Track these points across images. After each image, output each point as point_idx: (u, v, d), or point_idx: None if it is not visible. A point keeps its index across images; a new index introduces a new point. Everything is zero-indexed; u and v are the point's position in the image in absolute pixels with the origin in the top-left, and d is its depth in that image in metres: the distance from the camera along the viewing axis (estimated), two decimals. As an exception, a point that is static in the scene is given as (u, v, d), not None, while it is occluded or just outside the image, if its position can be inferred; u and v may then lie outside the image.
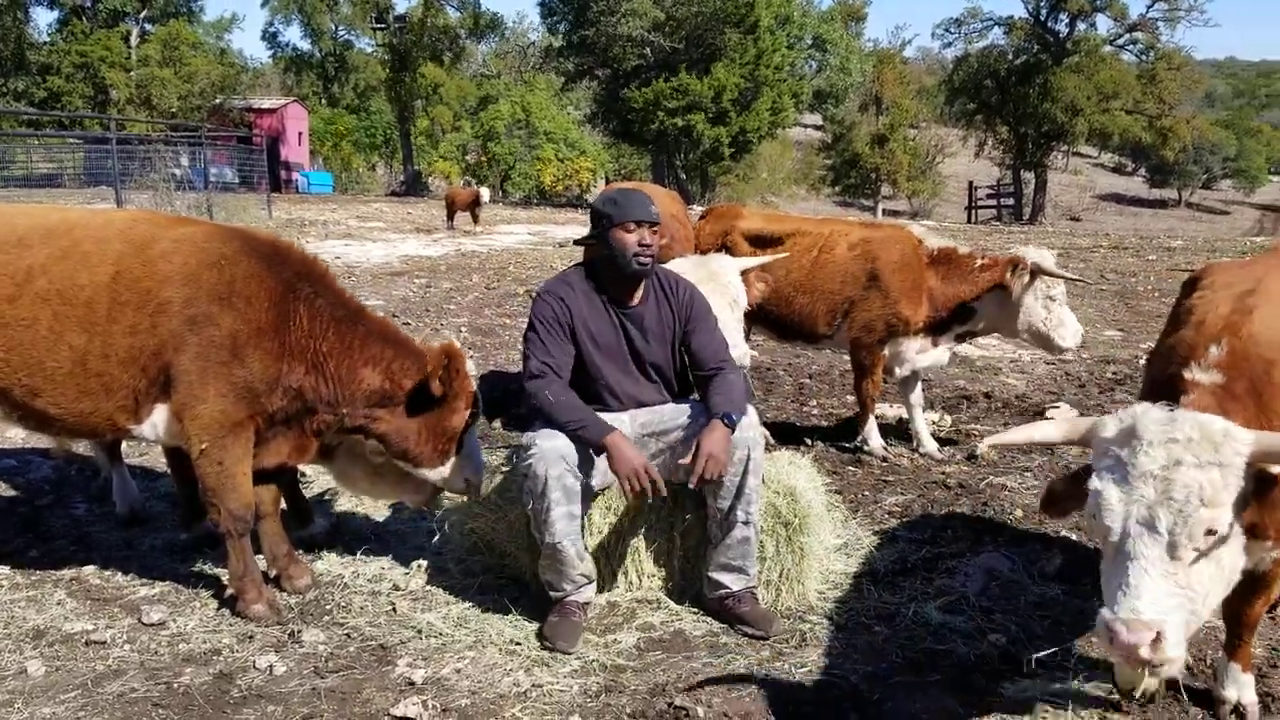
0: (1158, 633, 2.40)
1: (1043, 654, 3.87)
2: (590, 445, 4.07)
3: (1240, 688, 3.50)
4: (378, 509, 5.54)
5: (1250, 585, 3.03)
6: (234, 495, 4.19)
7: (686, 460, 4.01)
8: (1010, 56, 46.29)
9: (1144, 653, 2.41)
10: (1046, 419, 7.13)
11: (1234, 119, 65.96)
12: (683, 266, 5.11)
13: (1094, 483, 2.63)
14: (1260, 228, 44.77)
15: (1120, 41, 45.84)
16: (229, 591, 4.39)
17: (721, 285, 5.11)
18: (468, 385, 4.44)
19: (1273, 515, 2.69)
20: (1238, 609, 3.26)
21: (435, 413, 4.37)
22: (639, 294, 4.38)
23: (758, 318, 6.52)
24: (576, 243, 4.56)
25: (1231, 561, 2.64)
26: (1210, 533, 2.51)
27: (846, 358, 6.99)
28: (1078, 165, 61.45)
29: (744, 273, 5.34)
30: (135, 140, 27.02)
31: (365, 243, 20.08)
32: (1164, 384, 3.05)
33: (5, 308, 4.04)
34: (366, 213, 28.74)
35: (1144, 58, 45.87)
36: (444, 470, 4.48)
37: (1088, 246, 22.34)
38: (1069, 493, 2.80)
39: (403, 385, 4.33)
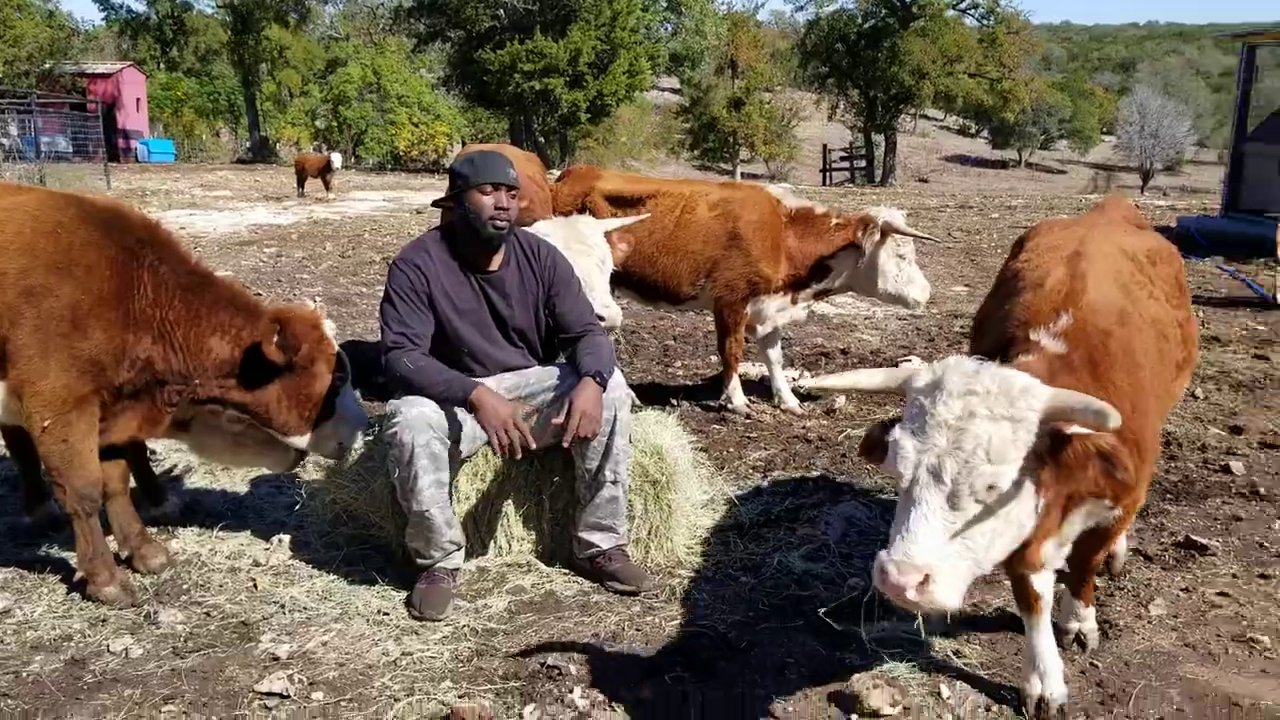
0: (925, 576, 2.44)
1: (830, 606, 4.02)
2: (456, 403, 4.03)
3: (1082, 620, 3.77)
4: (234, 484, 5.38)
5: (1095, 537, 3.24)
6: (80, 474, 3.99)
7: (560, 419, 4.00)
8: (859, 20, 47.28)
9: (911, 595, 2.45)
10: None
11: (1069, 82, 69.01)
12: (547, 228, 5.08)
13: (895, 430, 2.69)
14: (1094, 186, 47.16)
15: (963, 5, 47.29)
16: (79, 575, 4.19)
17: (588, 246, 5.09)
18: (327, 348, 4.32)
19: (1110, 479, 2.72)
20: (1083, 556, 3.42)
21: (294, 379, 4.24)
22: (499, 258, 4.32)
23: (621, 280, 6.54)
24: (434, 204, 4.46)
25: (1020, 517, 2.64)
26: (992, 487, 2.53)
27: (709, 319, 7.07)
28: (925, 128, 63.47)
29: (607, 234, 5.34)
30: (-46, 106, 25.23)
31: (211, 212, 19.29)
32: (1004, 345, 3.13)
33: None
34: (212, 181, 27.61)
35: (985, 22, 47.46)
36: (310, 437, 4.37)
37: (936, 206, 23.14)
38: (880, 439, 2.82)
39: None
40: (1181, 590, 4.31)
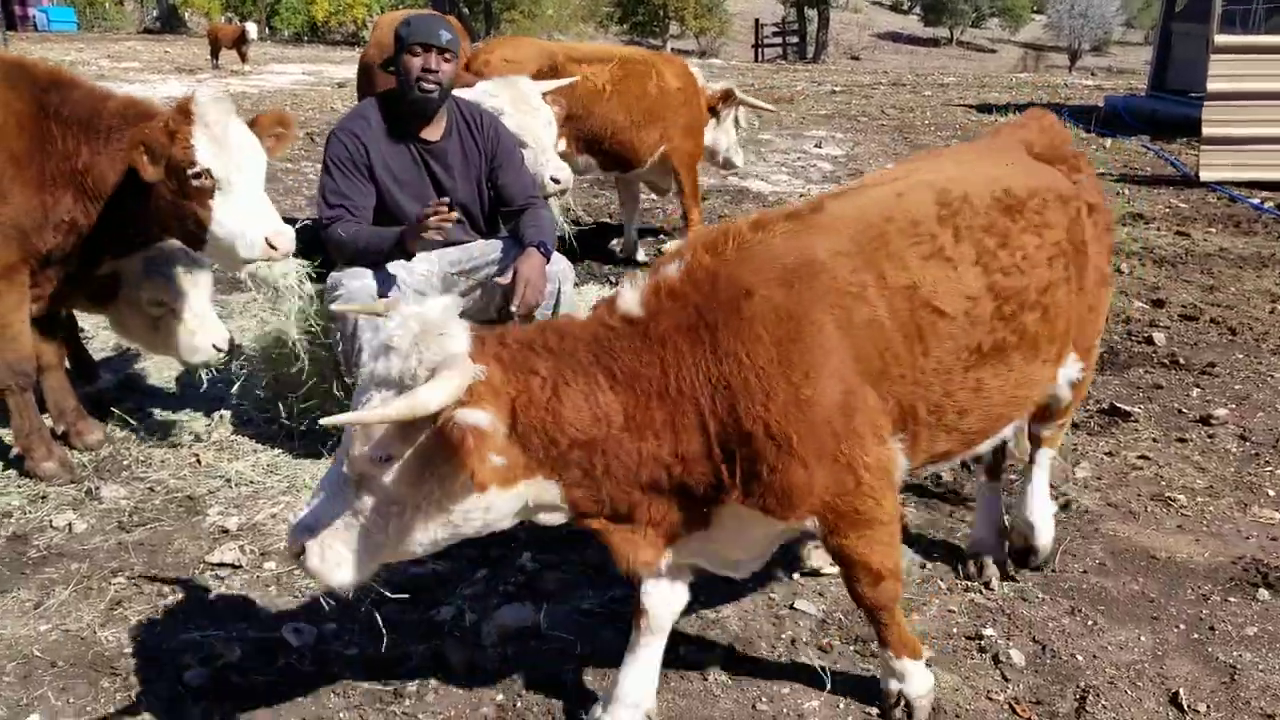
0: (302, 547, 2.29)
1: None
2: (394, 252, 3.96)
3: (899, 678, 2.86)
4: (170, 364, 5.27)
5: (845, 566, 2.67)
6: (11, 347, 3.88)
7: (505, 281, 3.95)
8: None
9: (298, 558, 2.33)
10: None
11: (998, -42, 68.42)
12: (490, 88, 4.94)
13: None
14: (1024, 65, 47.15)
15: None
16: (14, 451, 4.11)
17: (533, 107, 4.97)
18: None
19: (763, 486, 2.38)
20: (850, 587, 2.75)
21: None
22: (440, 129, 4.20)
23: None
24: (381, 67, 4.30)
25: (443, 500, 2.28)
26: (387, 459, 2.21)
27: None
28: (857, 3, 62.62)
29: (543, 94, 5.22)
30: None
31: (121, 84, 18.38)
32: None
33: None
34: (119, 52, 26.25)
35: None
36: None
37: (869, 84, 22.99)
38: None
39: None
40: (1105, 454, 4.50)
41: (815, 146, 13.06)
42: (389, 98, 4.20)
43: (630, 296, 2.43)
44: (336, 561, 2.30)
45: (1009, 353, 2.73)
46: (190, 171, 3.65)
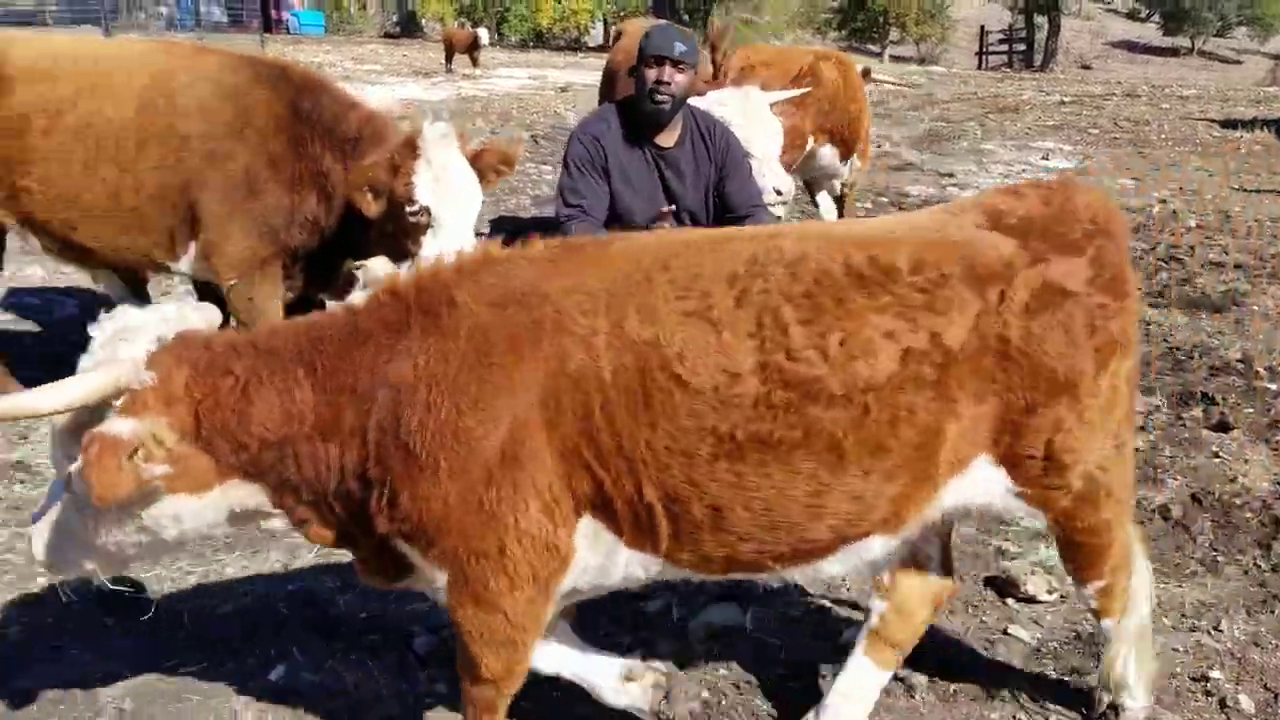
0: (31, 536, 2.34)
1: None
2: None
3: None
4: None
5: None
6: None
7: None
8: (1027, -109, 44.30)
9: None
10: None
11: (1253, -38, 63.66)
12: (722, 98, 5.05)
13: None
14: (1273, 78, 43.79)
15: (1144, -125, 43.79)
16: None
17: (762, 118, 5.05)
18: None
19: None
20: None
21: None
22: (675, 135, 4.32)
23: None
24: (629, 73, 4.44)
25: (125, 513, 2.21)
26: (68, 459, 2.16)
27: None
28: (1090, 10, 59.66)
29: (772, 105, 5.29)
30: (122, -26, 26.09)
31: (364, 85, 19.58)
32: None
33: (40, 141, 4.01)
34: (362, 54, 27.97)
35: (1166, -107, 43.86)
36: None
37: (1100, 94, 21.89)
38: None
39: None
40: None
41: (1042, 159, 12.57)
42: (628, 104, 4.36)
43: (364, 292, 2.37)
44: (49, 549, 2.32)
45: (788, 451, 2.21)
46: (409, 209, 3.84)
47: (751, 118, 4.90)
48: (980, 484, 2.40)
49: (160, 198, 4.12)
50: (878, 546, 2.42)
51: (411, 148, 3.84)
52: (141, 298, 5.40)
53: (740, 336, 2.19)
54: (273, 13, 42.47)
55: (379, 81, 20.80)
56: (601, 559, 2.31)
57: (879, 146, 13.41)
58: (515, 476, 2.16)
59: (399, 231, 3.92)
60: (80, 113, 4.08)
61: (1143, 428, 4.67)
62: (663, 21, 5.32)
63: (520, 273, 2.28)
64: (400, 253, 4.03)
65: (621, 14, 46.04)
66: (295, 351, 2.23)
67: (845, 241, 2.35)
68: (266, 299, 4.22)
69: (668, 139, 4.31)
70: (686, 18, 41.11)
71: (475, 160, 4.01)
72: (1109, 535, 2.52)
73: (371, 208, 3.84)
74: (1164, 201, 9.96)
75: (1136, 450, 3.68)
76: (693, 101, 4.49)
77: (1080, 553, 2.57)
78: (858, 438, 2.22)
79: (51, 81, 4.09)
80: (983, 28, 44.52)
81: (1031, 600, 3.46)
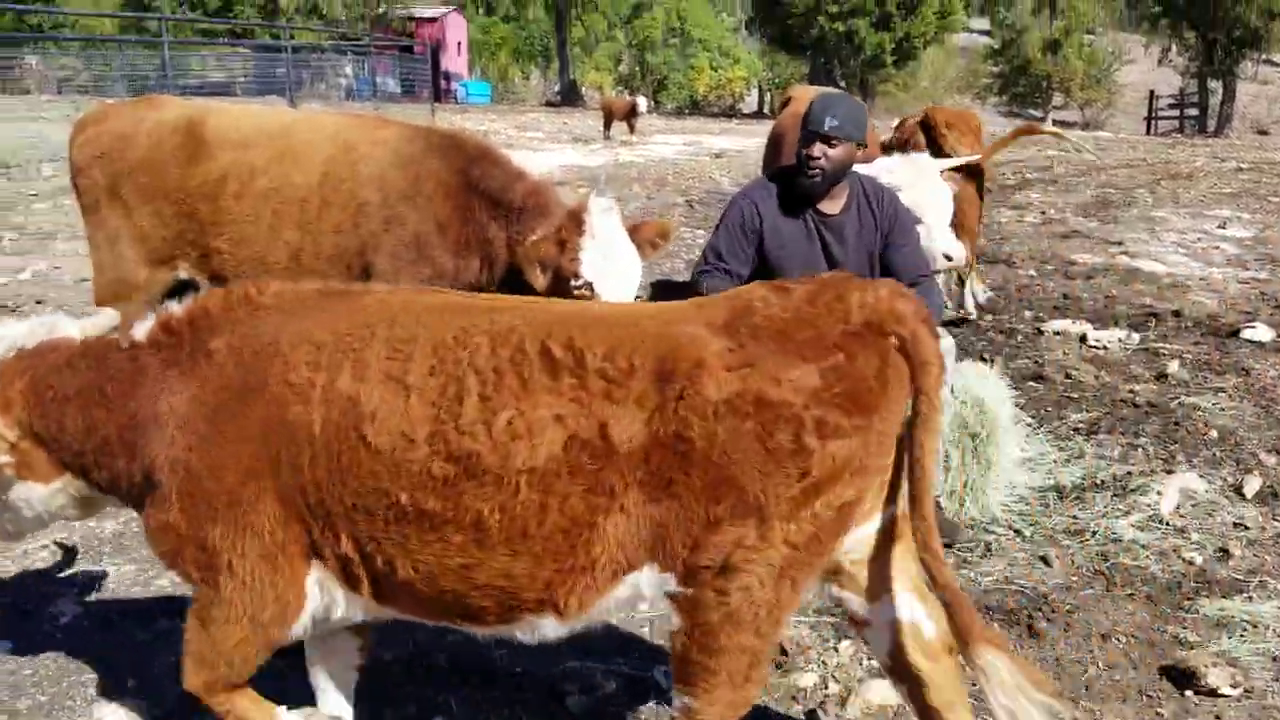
0: None
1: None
2: None
3: None
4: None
5: None
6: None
7: None
8: (1201, -45, 42.88)
9: None
10: (1243, 338, 6.83)
11: None
12: (891, 165, 5.02)
13: None
14: None
15: (1329, -65, 41.80)
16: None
17: (931, 185, 4.99)
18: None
19: None
20: None
21: None
22: (840, 203, 4.32)
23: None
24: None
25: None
26: None
27: (1020, 270, 6.79)
28: (1268, 74, 57.01)
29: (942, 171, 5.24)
30: (305, 49, 27.84)
31: (526, 152, 20.30)
32: None
33: (232, 204, 4.29)
34: (524, 122, 29.03)
35: (1354, -47, 41.74)
36: None
37: (1282, 160, 20.84)
38: None
39: None
40: None
41: (1219, 227, 12.00)
42: (788, 173, 4.38)
43: (146, 324, 2.52)
44: None
45: (443, 522, 2.21)
46: (573, 283, 3.89)
47: (921, 184, 4.85)
48: (652, 584, 2.23)
49: (337, 259, 4.34)
50: (549, 627, 2.34)
51: (577, 222, 3.92)
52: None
53: (424, 404, 2.21)
54: (442, 83, 44.59)
55: (540, 148, 21.52)
56: (330, 600, 2.43)
57: (1043, 213, 13.08)
58: (238, 519, 2.30)
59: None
60: (270, 178, 4.35)
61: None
62: (833, 91, 5.31)
63: (270, 320, 2.41)
64: None
65: (776, 81, 46.53)
66: (104, 373, 2.51)
67: (557, 322, 2.30)
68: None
69: (832, 206, 4.30)
70: (843, 83, 41.25)
71: (634, 233, 4.08)
72: (734, 666, 2.23)
73: (540, 281, 3.95)
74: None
75: None
76: (862, 169, 4.48)
77: (692, 669, 2.27)
78: (506, 518, 2.19)
79: (245, 149, 4.39)
80: (1152, 92, 43.03)
81: (1213, 694, 3.24)
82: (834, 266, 4.31)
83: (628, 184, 15.76)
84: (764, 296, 2.29)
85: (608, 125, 24.81)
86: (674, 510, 2.14)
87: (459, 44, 49.37)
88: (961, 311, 7.68)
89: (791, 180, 4.33)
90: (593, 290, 3.88)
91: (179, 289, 4.45)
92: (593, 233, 3.87)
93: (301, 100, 23.31)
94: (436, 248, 4.21)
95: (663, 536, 2.16)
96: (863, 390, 2.14)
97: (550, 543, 2.18)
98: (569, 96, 46.64)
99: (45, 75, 33.72)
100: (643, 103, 25.50)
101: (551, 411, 2.15)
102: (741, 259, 4.27)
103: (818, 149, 4.09)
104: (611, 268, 3.88)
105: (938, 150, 6.47)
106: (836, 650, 3.45)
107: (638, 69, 44.69)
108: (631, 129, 24.52)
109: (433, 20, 48.24)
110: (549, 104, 45.43)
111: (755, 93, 50.92)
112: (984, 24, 58.34)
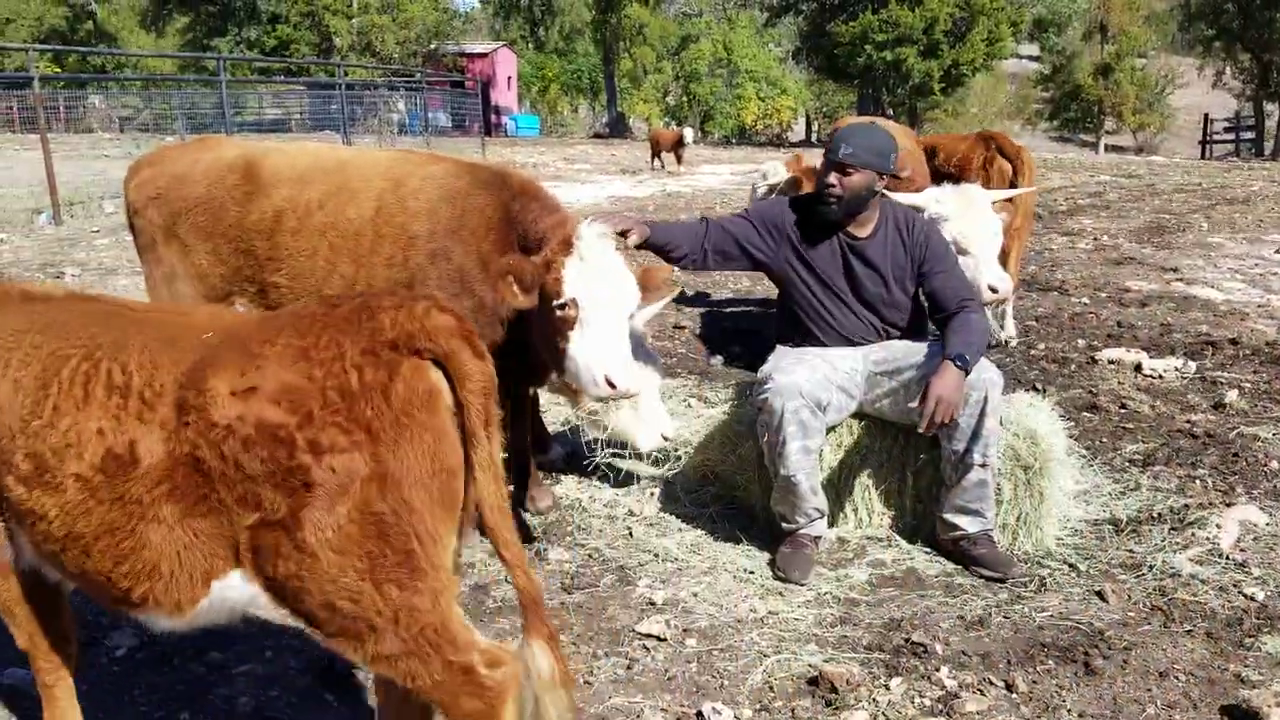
0: None
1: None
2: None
3: None
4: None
5: None
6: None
7: (916, 404, 3.98)
8: (1256, -24, 42.32)
9: None
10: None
11: None
12: (939, 194, 5.02)
13: None
14: None
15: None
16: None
17: (979, 216, 4.98)
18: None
19: None
20: None
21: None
22: (869, 228, 4.36)
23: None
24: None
25: None
26: None
27: (1074, 299, 6.70)
28: (1328, 95, 55.99)
29: (993, 202, 5.22)
30: (359, 86, 28.30)
31: (574, 184, 20.50)
32: None
33: (289, 240, 4.38)
34: (572, 154, 29.31)
35: None
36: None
37: (1343, 183, 20.40)
38: None
39: None
40: None
41: (1276, 252, 11.77)
42: (811, 198, 4.48)
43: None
44: None
45: (33, 515, 2.43)
46: (555, 303, 3.88)
47: (968, 214, 4.85)
48: (246, 586, 2.37)
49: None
50: (166, 622, 2.50)
51: (566, 245, 3.95)
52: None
53: (25, 404, 2.43)
54: (492, 117, 45.20)
55: (589, 180, 21.70)
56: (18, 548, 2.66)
57: (1096, 239, 12.92)
58: None
59: (549, 327, 4.00)
60: (326, 213, 4.44)
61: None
62: (863, 120, 5.35)
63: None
64: (549, 352, 4.09)
65: (824, 110, 46.55)
66: None
67: (136, 341, 2.44)
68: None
69: (861, 229, 4.35)
70: (890, 112, 41.18)
71: (645, 274, 4.08)
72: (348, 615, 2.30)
73: (518, 298, 3.93)
74: None
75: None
76: (911, 198, 4.51)
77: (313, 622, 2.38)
78: (65, 516, 2.39)
79: (303, 185, 4.49)
80: (1206, 115, 42.45)
81: (1255, 717, 3.16)
82: (855, 286, 4.38)
83: (675, 213, 15.82)
84: (310, 314, 2.39)
85: (655, 155, 25.00)
86: (221, 521, 2.30)
87: (509, 78, 50.10)
88: (1002, 337, 7.62)
89: (812, 207, 4.41)
90: (577, 308, 3.87)
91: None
92: (580, 254, 3.89)
93: (355, 136, 23.71)
94: (478, 281, 4.27)
95: (232, 544, 2.31)
96: (348, 410, 2.22)
97: (103, 543, 2.39)
98: (617, 128, 46.99)
99: (108, 114, 34.74)
100: (690, 133, 25.65)
101: (97, 425, 2.35)
102: (750, 236, 4.44)
103: (833, 176, 4.24)
104: (598, 288, 3.86)
105: (988, 175, 6.45)
106: (888, 688, 3.40)
107: (685, 100, 44.91)
108: (679, 159, 24.67)
109: (483, 56, 49.05)
110: (597, 136, 45.80)
111: (803, 121, 50.99)
112: (1033, 50, 58.01)
